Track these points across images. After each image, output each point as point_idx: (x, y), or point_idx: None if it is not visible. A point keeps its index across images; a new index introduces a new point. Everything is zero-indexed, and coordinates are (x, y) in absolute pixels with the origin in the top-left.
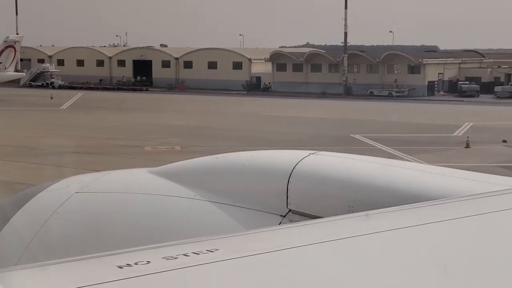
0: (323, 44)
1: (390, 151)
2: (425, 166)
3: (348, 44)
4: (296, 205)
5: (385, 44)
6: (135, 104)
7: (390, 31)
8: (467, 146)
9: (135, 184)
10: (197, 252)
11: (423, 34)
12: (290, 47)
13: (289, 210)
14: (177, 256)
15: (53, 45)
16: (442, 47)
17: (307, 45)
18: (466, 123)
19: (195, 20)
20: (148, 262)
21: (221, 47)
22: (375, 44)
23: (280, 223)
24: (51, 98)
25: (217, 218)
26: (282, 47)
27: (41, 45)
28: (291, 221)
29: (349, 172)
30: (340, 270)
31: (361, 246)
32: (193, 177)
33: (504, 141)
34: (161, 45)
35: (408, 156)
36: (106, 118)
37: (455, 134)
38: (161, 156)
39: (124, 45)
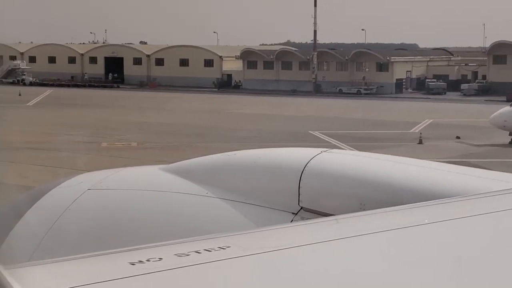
0: (304, 42)
1: (343, 147)
2: (438, 164)
3: (327, 42)
4: (308, 203)
5: (365, 42)
6: (103, 101)
7: (362, 29)
8: (420, 142)
9: (147, 181)
10: (209, 249)
11: (404, 31)
12: (271, 44)
13: (301, 208)
14: (189, 253)
15: (31, 42)
16: (422, 45)
17: (288, 43)
18: (426, 120)
19: (177, 17)
20: (160, 259)
21: (202, 45)
22: (355, 42)
23: (291, 220)
24: (19, 95)
25: (228, 216)
26: (263, 44)
27: (20, 42)
28: (302, 218)
29: (361, 170)
30: (352, 268)
31: (373, 244)
32: (205, 175)
33: (458, 137)
34: (140, 42)
35: None
36: (70, 115)
37: (412, 130)
38: (115, 152)
39: (104, 42)
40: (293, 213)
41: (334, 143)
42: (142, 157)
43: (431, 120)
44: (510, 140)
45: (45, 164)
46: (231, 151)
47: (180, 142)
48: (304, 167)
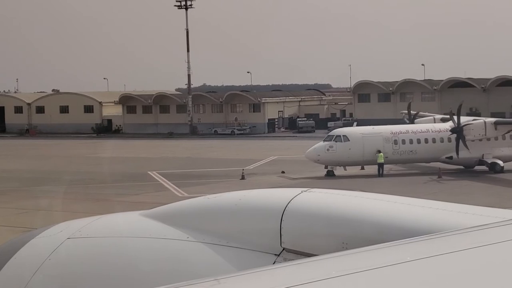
0: (219, 85)
1: (166, 185)
2: (419, 201)
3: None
4: (290, 244)
5: (271, 84)
6: None
7: (248, 72)
8: (243, 177)
9: (127, 228)
10: None
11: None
12: (184, 88)
13: (283, 249)
14: None
15: None
16: (335, 85)
17: (204, 86)
18: (270, 157)
19: (89, 65)
20: None
21: (85, 91)
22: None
23: (274, 262)
24: None
25: (210, 259)
26: (179, 89)
27: None
28: (285, 259)
29: (342, 208)
30: None
31: (356, 283)
32: (186, 219)
33: (283, 172)
34: (53, 90)
35: (178, 189)
36: None
37: (247, 167)
38: None
39: (15, 92)
40: (275, 254)
41: (162, 182)
42: None
43: (275, 157)
44: (325, 173)
45: None
46: (57, 193)
47: (8, 187)
48: (285, 208)
